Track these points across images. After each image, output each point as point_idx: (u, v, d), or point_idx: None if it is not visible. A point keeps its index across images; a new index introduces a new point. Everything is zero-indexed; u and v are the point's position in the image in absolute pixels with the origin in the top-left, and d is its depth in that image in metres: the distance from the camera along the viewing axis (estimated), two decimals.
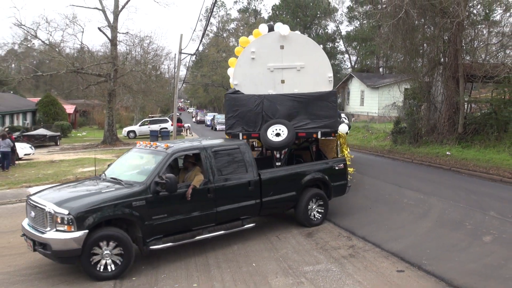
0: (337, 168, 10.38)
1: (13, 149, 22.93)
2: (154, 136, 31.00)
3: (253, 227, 9.14)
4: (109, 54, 36.50)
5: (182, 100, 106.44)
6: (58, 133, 39.20)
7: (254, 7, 74.50)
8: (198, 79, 64.65)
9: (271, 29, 11.51)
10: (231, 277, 7.30)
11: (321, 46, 55.68)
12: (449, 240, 8.31)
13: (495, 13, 20.68)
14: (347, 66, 65.73)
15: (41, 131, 38.30)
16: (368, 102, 40.16)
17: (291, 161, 11.61)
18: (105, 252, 6.96)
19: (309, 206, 9.77)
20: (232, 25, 72.92)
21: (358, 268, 7.43)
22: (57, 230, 6.69)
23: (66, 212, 6.66)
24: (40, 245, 6.89)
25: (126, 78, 36.63)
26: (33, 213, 7.24)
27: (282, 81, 11.15)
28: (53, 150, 31.76)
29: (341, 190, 10.58)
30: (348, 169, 13.85)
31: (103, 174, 8.73)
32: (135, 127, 43.92)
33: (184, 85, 67.40)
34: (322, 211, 9.99)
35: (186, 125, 42.89)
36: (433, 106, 21.84)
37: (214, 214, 8.31)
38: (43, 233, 6.83)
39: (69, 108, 55.78)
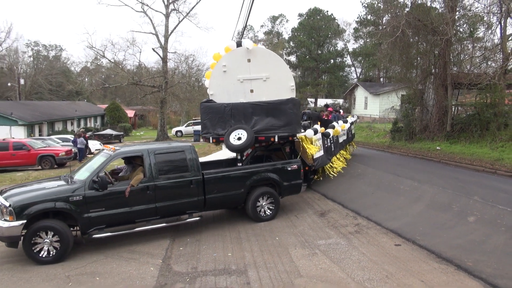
0: (289, 169, 9.44)
1: (86, 145, 23.61)
2: (197, 134, 31.27)
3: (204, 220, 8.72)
4: (161, 69, 37.06)
5: None
6: (122, 133, 40.08)
7: (277, 30, 74.16)
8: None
9: (239, 44, 10.62)
10: (258, 248, 7.34)
11: (331, 61, 55.52)
12: (439, 219, 8.16)
13: (478, 30, 20.32)
14: (353, 77, 64.94)
15: (108, 131, 39.26)
16: (371, 106, 39.68)
17: (261, 161, 10.80)
18: (46, 240, 6.83)
19: (259, 203, 9.04)
20: (259, 45, 72.74)
21: (362, 242, 7.38)
22: (4, 220, 6.71)
23: (8, 204, 6.69)
24: None
25: (174, 89, 37.11)
26: None
27: (251, 91, 10.56)
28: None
29: (295, 189, 9.70)
30: (336, 166, 13.16)
31: (67, 174, 8.38)
32: (182, 128, 44.43)
33: None
34: (273, 207, 9.22)
35: None
36: (426, 109, 21.51)
37: (154, 209, 7.78)
38: None
39: (130, 113, 56.90)
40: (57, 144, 23.89)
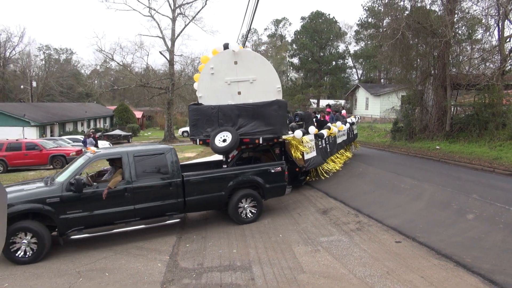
0: (273, 171, 9.04)
1: (96, 145, 23.67)
2: None
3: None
4: (168, 72, 37.15)
5: None
6: (130, 133, 40.20)
7: (280, 33, 74.11)
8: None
9: (226, 47, 10.28)
10: (262, 245, 7.34)
11: (333, 62, 55.29)
12: (438, 217, 8.11)
13: (477, 33, 20.20)
14: (355, 78, 64.81)
15: (117, 131, 39.39)
16: (372, 107, 39.55)
17: (249, 163, 10.57)
18: (23, 241, 6.76)
19: (241, 205, 8.72)
20: (263, 47, 72.72)
21: (363, 239, 7.35)
22: None
23: None
24: None
25: (181, 90, 37.23)
26: None
27: (239, 93, 10.30)
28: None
29: (279, 191, 9.31)
30: (328, 167, 12.76)
31: (50, 176, 8.33)
32: (188, 128, 44.43)
33: None
34: (256, 209, 8.88)
35: None
36: (425, 109, 21.41)
37: (132, 211, 7.60)
38: None
39: (138, 114, 57.06)
40: (68, 144, 24.04)
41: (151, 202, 7.80)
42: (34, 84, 50.18)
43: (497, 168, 13.05)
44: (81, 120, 44.24)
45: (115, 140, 34.72)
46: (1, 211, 1.74)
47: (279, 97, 10.11)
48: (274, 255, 6.78)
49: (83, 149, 22.28)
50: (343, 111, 21.17)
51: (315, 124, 13.30)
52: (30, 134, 32.34)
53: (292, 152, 10.39)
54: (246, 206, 8.81)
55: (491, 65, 18.92)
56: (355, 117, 20.68)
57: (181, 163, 8.96)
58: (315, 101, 56.16)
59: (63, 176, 7.59)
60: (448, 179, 11.26)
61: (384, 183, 11.41)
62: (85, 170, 7.94)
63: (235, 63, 10.16)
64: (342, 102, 50.42)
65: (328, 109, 17.89)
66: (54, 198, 6.99)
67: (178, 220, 8.19)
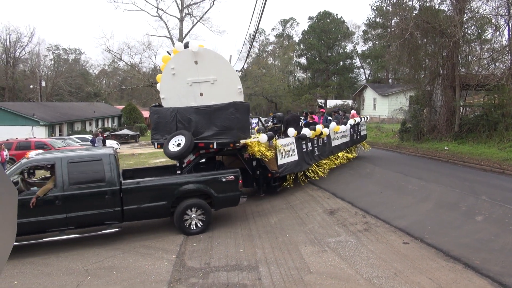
0: (224, 179, 8.41)
1: (104, 145, 23.81)
2: None
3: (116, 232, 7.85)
4: None
5: None
6: (138, 133, 40.40)
7: (287, 33, 74.03)
8: (243, 90, 65.10)
9: (186, 46, 9.60)
10: (269, 245, 7.34)
11: (341, 62, 54.96)
12: (447, 218, 8.05)
13: (486, 32, 20.02)
14: (362, 78, 64.49)
15: (125, 131, 39.61)
16: (380, 107, 39.33)
17: (213, 168, 10.02)
18: None
19: (187, 215, 8.13)
20: (270, 47, 72.68)
21: (371, 240, 7.32)
22: None
23: None
24: None
25: None
26: None
27: (201, 94, 9.71)
28: (133, 145, 32.75)
29: (231, 201, 8.68)
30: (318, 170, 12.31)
31: None
32: None
33: None
34: (204, 220, 8.25)
35: None
36: (434, 110, 21.27)
37: (65, 219, 7.25)
38: None
39: (146, 114, 57.15)
40: (76, 144, 24.21)
41: (85, 211, 7.45)
42: (43, 83, 50.72)
43: (507, 169, 12.91)
44: (89, 119, 44.58)
45: (123, 140, 34.92)
46: (12, 209, 1.76)
47: (240, 98, 9.49)
48: (281, 255, 6.77)
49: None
50: (353, 111, 20.80)
51: (302, 125, 12.74)
52: (39, 134, 32.68)
53: (265, 155, 9.82)
54: (193, 216, 8.20)
55: (501, 65, 18.77)
56: (363, 118, 20.34)
57: (136, 168, 8.29)
58: (323, 101, 56.03)
59: None
60: (457, 180, 11.17)
61: (392, 184, 11.35)
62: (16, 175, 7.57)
63: (196, 63, 9.56)
64: (350, 102, 50.21)
65: (321, 110, 17.14)
66: None
67: (117, 229, 7.80)
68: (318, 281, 5.67)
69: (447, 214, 8.32)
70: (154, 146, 9.76)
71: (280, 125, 13.36)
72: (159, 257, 6.90)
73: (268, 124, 15.60)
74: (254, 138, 10.16)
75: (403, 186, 10.92)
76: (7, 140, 22.12)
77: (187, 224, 8.19)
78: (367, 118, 19.56)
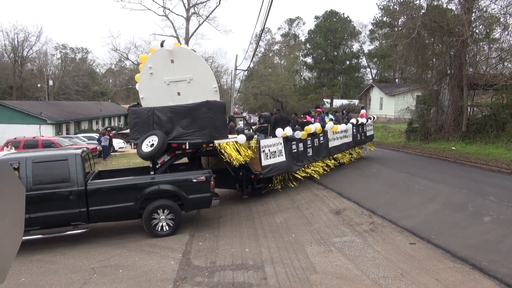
0: (195, 180, 8.25)
1: (111, 143, 24.00)
2: None
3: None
4: None
5: (236, 106, 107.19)
6: None
7: (293, 32, 73.94)
8: (249, 90, 65.09)
9: (162, 44, 9.48)
10: (275, 244, 7.33)
11: (347, 62, 54.80)
12: (454, 219, 7.99)
13: (495, 32, 19.85)
14: (369, 78, 64.28)
15: None
16: (386, 107, 39.21)
17: (192, 169, 9.67)
18: None
19: (156, 217, 8.02)
20: (276, 47, 72.61)
21: (377, 240, 7.28)
22: None
23: None
24: None
25: None
26: None
27: (178, 93, 9.56)
28: None
29: (202, 203, 8.54)
30: (311, 171, 11.94)
31: None
32: None
33: (238, 94, 68.05)
34: (173, 222, 8.13)
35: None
36: (441, 109, 21.12)
37: (27, 220, 7.07)
38: None
39: None
40: (83, 142, 24.37)
41: (49, 212, 7.41)
42: (50, 82, 51.11)
43: None
44: (96, 118, 44.88)
45: (129, 139, 35.16)
46: (21, 207, 1.78)
47: (216, 97, 9.36)
48: (287, 254, 6.76)
49: (97, 147, 22.62)
50: (363, 111, 20.51)
51: (291, 125, 12.46)
52: (46, 132, 32.96)
53: (233, 158, 9.43)
54: (162, 217, 8.09)
55: (509, 65, 18.64)
56: (370, 117, 20.07)
57: (113, 169, 8.16)
58: (329, 100, 55.88)
59: None
60: (464, 181, 11.08)
61: (398, 184, 11.29)
62: None
63: (172, 61, 9.43)
64: (356, 101, 50.03)
65: (318, 109, 16.71)
66: None
67: (84, 230, 7.71)
68: (323, 281, 5.65)
69: (454, 214, 8.26)
70: (131, 147, 9.70)
71: (267, 125, 13.08)
72: (165, 256, 6.93)
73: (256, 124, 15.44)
74: (231, 138, 9.90)
75: (409, 186, 10.85)
76: (14, 138, 22.33)
77: (155, 226, 8.07)
78: (374, 117, 19.34)
